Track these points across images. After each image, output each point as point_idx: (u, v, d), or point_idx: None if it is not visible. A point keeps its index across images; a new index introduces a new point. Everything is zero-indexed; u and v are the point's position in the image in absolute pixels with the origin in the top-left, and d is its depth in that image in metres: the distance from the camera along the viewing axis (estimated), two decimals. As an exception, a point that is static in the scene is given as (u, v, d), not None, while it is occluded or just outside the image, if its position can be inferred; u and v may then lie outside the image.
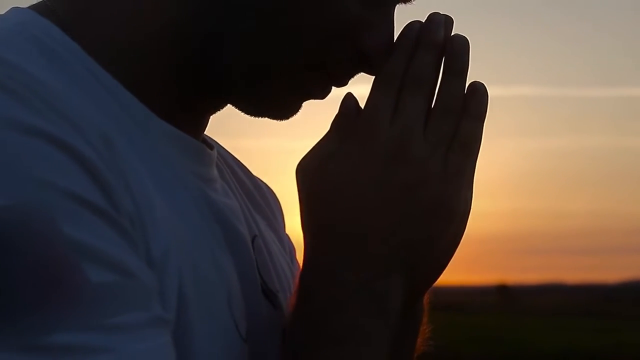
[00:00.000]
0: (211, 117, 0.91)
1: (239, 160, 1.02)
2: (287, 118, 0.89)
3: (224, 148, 1.00)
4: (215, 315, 0.82)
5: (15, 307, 0.69)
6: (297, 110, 0.89)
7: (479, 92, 0.88)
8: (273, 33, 0.84)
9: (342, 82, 0.89)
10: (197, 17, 0.84)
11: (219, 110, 0.90)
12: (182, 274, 0.79)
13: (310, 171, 0.86)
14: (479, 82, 0.89)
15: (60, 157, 0.73)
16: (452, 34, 0.88)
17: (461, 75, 0.88)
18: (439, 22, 0.87)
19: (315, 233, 0.86)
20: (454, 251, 0.89)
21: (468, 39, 0.89)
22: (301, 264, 0.88)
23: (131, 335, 0.72)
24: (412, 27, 0.88)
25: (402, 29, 0.88)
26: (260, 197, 1.01)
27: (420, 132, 0.85)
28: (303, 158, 0.88)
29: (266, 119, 0.89)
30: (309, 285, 0.85)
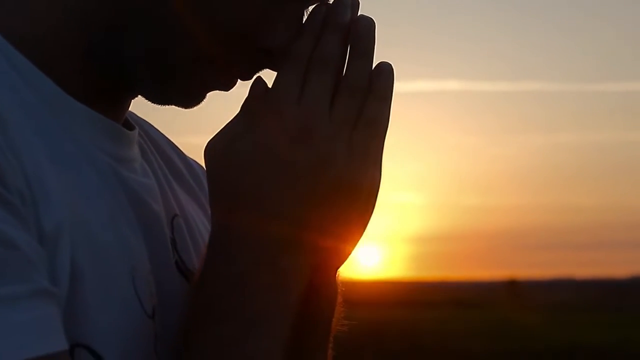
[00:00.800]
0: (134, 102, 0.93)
1: (172, 142, 1.05)
2: (192, 107, 0.91)
3: (157, 130, 1.03)
4: (115, 290, 0.83)
5: None
6: (202, 100, 0.91)
7: (384, 72, 0.89)
8: (175, 28, 0.86)
9: (246, 77, 0.90)
10: (100, 6, 0.87)
11: (137, 95, 0.92)
12: (76, 249, 0.80)
13: (217, 151, 0.87)
14: (385, 62, 0.90)
15: None
16: (359, 15, 0.90)
17: (366, 55, 0.88)
18: (345, 5, 0.89)
19: (219, 211, 0.87)
20: (363, 229, 0.89)
21: (374, 19, 0.90)
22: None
23: (10, 307, 0.73)
24: (319, 10, 0.89)
25: (309, 13, 0.90)
26: (192, 177, 1.03)
27: (325, 112, 0.87)
28: (212, 139, 0.89)
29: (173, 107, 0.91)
30: (209, 262, 0.87)
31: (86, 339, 0.81)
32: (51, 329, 0.76)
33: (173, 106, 0.91)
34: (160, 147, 1.02)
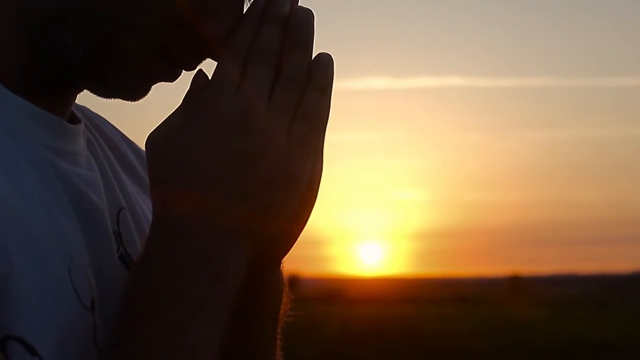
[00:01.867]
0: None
1: (127, 137, 1.04)
2: (137, 99, 0.91)
3: (108, 123, 1.03)
4: (49, 282, 0.82)
5: None
6: (146, 92, 0.90)
7: (323, 63, 0.88)
8: (117, 19, 0.86)
9: (189, 67, 0.90)
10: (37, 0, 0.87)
11: (82, 90, 0.92)
12: (7, 239, 0.80)
13: (156, 143, 0.87)
14: (324, 53, 0.89)
15: None
16: (297, 6, 0.89)
17: (305, 47, 0.88)
18: None
19: (158, 201, 0.87)
20: (305, 220, 0.89)
21: (312, 11, 0.89)
22: None
23: None
24: (258, 2, 0.89)
25: (249, 5, 0.89)
26: (142, 167, 1.03)
27: (263, 102, 0.86)
28: (152, 131, 0.88)
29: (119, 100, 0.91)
30: (146, 253, 0.86)
31: (18, 331, 0.80)
32: None
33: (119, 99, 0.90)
34: (111, 140, 1.01)
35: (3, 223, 0.80)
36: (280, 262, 0.92)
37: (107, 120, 1.03)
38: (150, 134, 0.88)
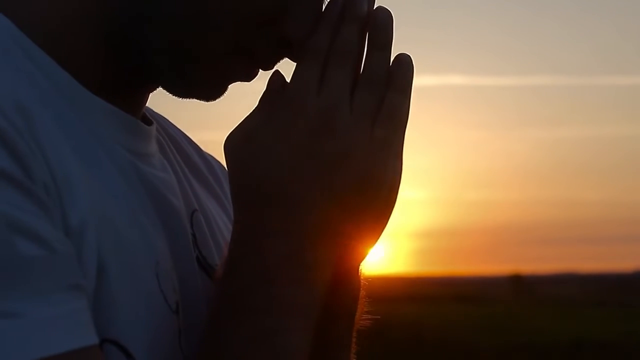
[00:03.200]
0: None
1: (190, 138, 1.04)
2: (214, 99, 0.90)
3: (174, 125, 1.03)
4: (140, 285, 0.83)
5: None
6: (223, 92, 0.90)
7: (403, 64, 0.88)
8: (196, 17, 0.85)
9: (267, 67, 0.90)
10: None
11: (155, 89, 0.92)
12: (102, 243, 0.80)
13: (237, 145, 0.87)
14: (404, 54, 0.89)
15: None
16: (375, 7, 0.89)
17: (385, 47, 0.88)
18: None
19: (243, 205, 0.86)
20: (386, 221, 0.89)
21: (391, 11, 0.89)
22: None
23: (42, 301, 0.73)
24: (336, 2, 0.88)
25: (326, 5, 0.89)
26: (210, 173, 1.03)
27: (345, 104, 0.86)
28: (231, 133, 0.88)
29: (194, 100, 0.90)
30: (235, 257, 0.86)
31: (114, 334, 0.80)
32: (82, 323, 0.75)
33: (193, 100, 0.90)
34: (177, 143, 1.01)
35: (98, 227, 0.80)
36: (358, 265, 0.91)
37: (170, 122, 1.03)
38: (229, 135, 0.88)
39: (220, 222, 1.00)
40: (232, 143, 0.87)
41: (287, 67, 0.91)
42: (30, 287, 0.73)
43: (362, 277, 0.92)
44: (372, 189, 0.86)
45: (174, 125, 1.03)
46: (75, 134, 0.83)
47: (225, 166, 0.89)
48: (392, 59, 0.89)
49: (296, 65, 0.88)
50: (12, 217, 0.74)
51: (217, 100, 0.90)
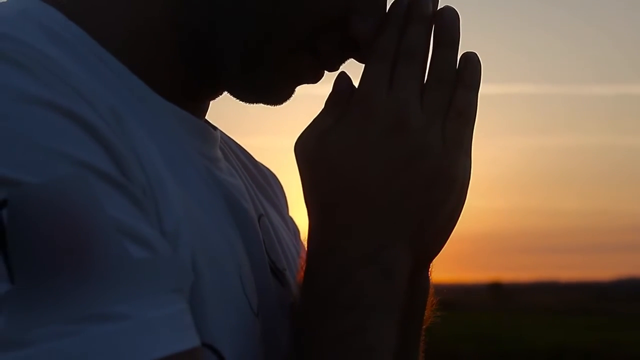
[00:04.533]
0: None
1: (240, 145, 1.05)
2: (281, 103, 0.90)
3: (225, 134, 1.02)
4: (228, 289, 0.83)
5: (57, 283, 0.70)
6: (290, 95, 0.90)
7: (472, 61, 0.90)
8: (263, 20, 0.85)
9: (333, 67, 0.90)
10: (190, 5, 0.86)
11: (218, 95, 0.92)
12: (194, 248, 0.79)
13: (309, 147, 0.87)
14: (471, 52, 0.90)
15: (75, 130, 0.73)
16: (440, 6, 0.90)
17: (452, 46, 0.89)
18: None
19: (319, 208, 0.87)
20: (457, 220, 0.89)
21: (457, 10, 0.90)
22: (306, 243, 0.89)
23: (147, 303, 0.72)
24: (401, 2, 0.89)
25: (390, 5, 0.90)
26: (263, 179, 1.04)
27: (417, 103, 0.86)
28: (300, 136, 0.88)
29: (262, 105, 0.91)
30: (315, 259, 0.86)
31: (207, 338, 0.79)
32: (187, 325, 0.75)
33: (261, 104, 0.90)
34: (233, 149, 1.02)
35: (190, 231, 0.80)
36: (430, 263, 0.91)
37: (222, 131, 1.02)
38: (299, 139, 0.88)
39: (280, 227, 1.00)
40: (304, 145, 0.87)
41: (351, 69, 0.91)
42: (136, 290, 0.72)
43: (431, 276, 0.92)
44: (445, 186, 0.86)
45: (226, 134, 1.03)
46: (158, 139, 0.83)
47: (297, 168, 0.89)
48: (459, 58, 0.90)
49: (365, 66, 0.88)
50: (119, 220, 0.73)
51: (283, 104, 0.90)
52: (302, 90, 0.92)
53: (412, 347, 0.93)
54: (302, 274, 0.88)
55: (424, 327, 0.94)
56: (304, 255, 0.89)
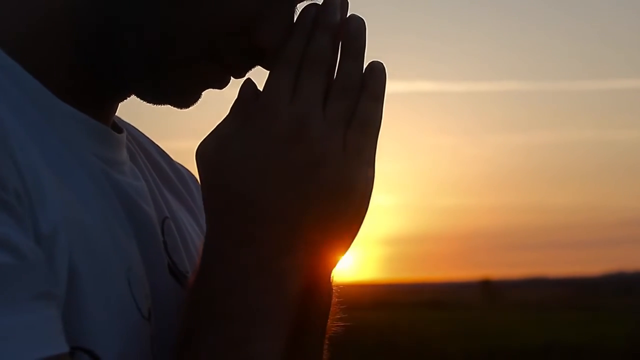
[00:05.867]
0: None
1: (158, 146, 1.04)
2: (188, 107, 0.90)
3: (143, 134, 1.03)
4: (112, 291, 0.83)
5: None
6: (197, 99, 0.90)
7: (376, 71, 0.89)
8: (167, 26, 0.85)
9: (239, 74, 0.90)
10: (92, 4, 0.86)
11: (126, 97, 0.91)
12: (73, 249, 0.80)
13: (209, 153, 0.87)
14: (377, 61, 0.89)
15: None
16: (348, 15, 0.90)
17: (358, 55, 0.88)
18: (335, 5, 0.89)
19: (214, 214, 0.86)
20: (358, 229, 0.89)
21: (364, 19, 0.89)
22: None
23: (11, 310, 0.72)
24: (308, 10, 0.89)
25: (299, 13, 0.89)
26: (179, 181, 1.03)
27: (319, 112, 0.86)
28: (202, 141, 0.88)
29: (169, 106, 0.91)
30: (207, 265, 0.86)
31: (85, 341, 0.80)
32: (52, 332, 0.75)
33: (167, 106, 0.90)
34: (147, 151, 1.01)
35: (69, 233, 0.80)
36: (330, 272, 0.91)
37: (139, 130, 1.03)
38: (201, 143, 0.88)
39: (191, 229, 1.00)
40: (204, 151, 0.87)
41: (259, 76, 0.91)
42: (4, 296, 0.72)
43: (333, 285, 0.92)
44: (344, 196, 0.86)
45: (144, 135, 1.03)
46: (45, 141, 0.83)
47: (197, 174, 0.89)
48: (365, 67, 0.89)
49: (269, 73, 0.88)
50: None
51: (190, 107, 0.91)
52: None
53: (315, 355, 0.92)
54: (192, 277, 0.88)
55: (326, 336, 0.93)
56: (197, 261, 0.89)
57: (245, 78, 0.90)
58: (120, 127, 0.95)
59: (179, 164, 1.06)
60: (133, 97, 0.92)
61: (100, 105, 0.90)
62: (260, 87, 0.89)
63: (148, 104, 0.90)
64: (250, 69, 0.90)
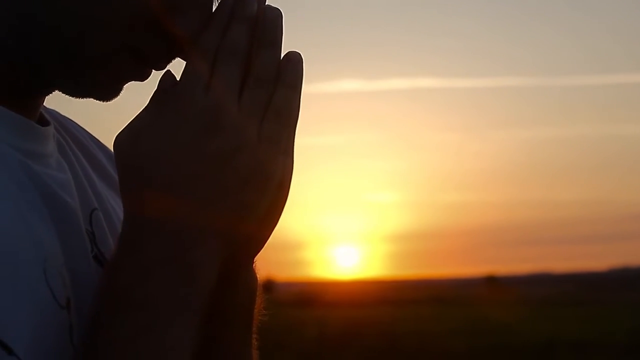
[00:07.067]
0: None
1: (95, 138, 1.05)
2: (110, 100, 0.90)
3: (79, 126, 1.04)
4: (24, 282, 0.82)
5: None
6: (118, 92, 0.90)
7: (292, 61, 0.89)
8: (80, 17, 0.86)
9: (159, 66, 0.90)
10: (6, 2, 0.86)
11: (51, 91, 0.91)
12: None
13: (125, 143, 0.87)
14: (294, 52, 0.89)
15: None
16: (265, 5, 0.90)
17: (273, 45, 0.88)
18: None
19: (129, 205, 0.87)
20: (276, 219, 0.89)
21: (280, 10, 0.90)
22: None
23: None
24: (226, 2, 0.89)
25: (218, 4, 0.90)
26: (111, 165, 1.03)
27: (234, 102, 0.86)
28: (120, 132, 0.88)
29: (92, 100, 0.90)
30: (119, 255, 0.86)
31: None
32: None
33: (91, 99, 0.90)
34: (81, 142, 1.02)
35: None
36: (252, 262, 0.91)
37: (76, 123, 1.04)
38: (118, 135, 0.88)
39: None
40: (119, 142, 0.87)
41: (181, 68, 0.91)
42: None
43: (256, 273, 0.92)
44: (260, 185, 0.86)
45: (80, 126, 1.04)
46: None
47: (115, 164, 0.89)
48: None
49: (185, 64, 0.88)
50: None
51: (112, 100, 0.91)
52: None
53: (242, 344, 0.92)
54: (106, 267, 0.88)
55: (252, 324, 0.92)
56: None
57: (165, 70, 0.90)
58: (47, 120, 0.95)
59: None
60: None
61: (23, 100, 0.90)
62: None
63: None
64: (170, 60, 0.90)
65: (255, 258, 0.92)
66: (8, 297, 0.80)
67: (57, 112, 1.00)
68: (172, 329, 0.84)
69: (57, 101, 0.95)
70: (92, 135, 1.05)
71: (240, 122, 0.86)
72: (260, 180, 0.86)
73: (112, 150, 0.88)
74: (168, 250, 0.84)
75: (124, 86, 0.91)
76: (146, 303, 0.84)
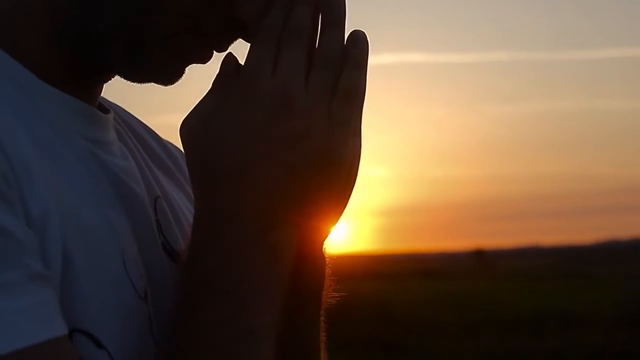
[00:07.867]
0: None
1: (147, 126, 1.04)
2: (172, 83, 0.90)
3: (129, 113, 1.03)
4: (107, 273, 0.83)
5: None
6: (181, 75, 0.90)
7: (359, 40, 0.88)
8: (148, 1, 0.85)
9: (221, 47, 0.89)
10: None
11: (111, 78, 0.91)
12: (65, 232, 0.80)
13: (193, 130, 0.86)
14: (359, 30, 0.89)
15: None
16: None
17: (338, 25, 0.87)
18: None
19: (202, 191, 0.86)
20: (347, 199, 0.89)
21: None
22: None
23: (6, 294, 0.72)
24: None
25: None
26: (168, 158, 1.03)
27: (301, 84, 0.85)
28: (186, 117, 0.87)
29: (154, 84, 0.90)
30: (197, 242, 0.86)
31: (83, 323, 0.80)
32: (50, 314, 0.75)
33: (151, 84, 0.90)
34: (135, 130, 1.01)
35: (61, 216, 0.80)
36: (322, 244, 0.91)
37: (126, 110, 1.03)
38: (184, 121, 0.87)
39: (184, 207, 1.00)
40: (187, 128, 0.86)
41: (242, 50, 0.90)
42: None
43: (326, 256, 0.92)
44: (331, 167, 0.85)
45: (131, 114, 1.03)
46: (31, 124, 0.83)
47: (183, 151, 0.89)
48: (346, 37, 0.89)
49: (250, 47, 0.87)
50: None
51: (174, 84, 0.90)
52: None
53: (312, 326, 0.92)
54: (184, 254, 0.87)
55: (322, 306, 0.92)
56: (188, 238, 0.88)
57: (226, 52, 0.89)
58: (106, 107, 0.95)
59: (167, 141, 1.06)
60: (116, 77, 0.92)
61: (85, 87, 0.90)
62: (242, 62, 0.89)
63: (132, 83, 0.89)
64: (232, 41, 0.89)
65: (326, 239, 0.91)
66: (94, 290, 0.81)
67: (107, 100, 0.99)
68: (257, 313, 0.84)
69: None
70: (144, 124, 1.04)
71: (309, 105, 0.85)
72: (332, 162, 0.85)
73: (179, 136, 0.87)
74: (247, 235, 0.84)
75: (186, 69, 0.89)
76: (231, 289, 0.83)
